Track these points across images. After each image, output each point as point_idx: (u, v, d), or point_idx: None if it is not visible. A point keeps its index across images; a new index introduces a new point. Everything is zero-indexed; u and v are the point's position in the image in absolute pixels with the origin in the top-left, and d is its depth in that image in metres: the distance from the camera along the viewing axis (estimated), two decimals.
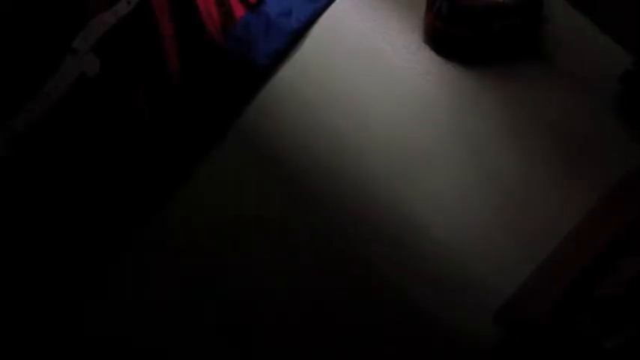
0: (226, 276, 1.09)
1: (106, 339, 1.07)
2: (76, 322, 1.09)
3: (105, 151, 1.14)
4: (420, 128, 1.14)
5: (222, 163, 1.14)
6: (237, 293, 1.08)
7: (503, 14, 1.05)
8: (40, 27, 1.11)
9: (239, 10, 1.15)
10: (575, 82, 1.11)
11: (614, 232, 0.96)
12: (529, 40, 1.13)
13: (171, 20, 1.14)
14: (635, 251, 0.92)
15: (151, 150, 1.15)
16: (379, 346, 1.06)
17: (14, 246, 1.10)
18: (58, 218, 1.12)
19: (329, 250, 1.09)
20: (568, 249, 1.01)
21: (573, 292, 0.92)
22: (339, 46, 1.17)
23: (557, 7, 1.13)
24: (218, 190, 1.14)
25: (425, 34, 1.15)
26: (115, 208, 1.13)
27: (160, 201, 1.14)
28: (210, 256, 1.10)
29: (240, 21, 1.15)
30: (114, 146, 1.14)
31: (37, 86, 1.13)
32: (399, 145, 1.13)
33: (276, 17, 1.14)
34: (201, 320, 1.07)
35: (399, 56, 1.16)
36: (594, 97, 1.10)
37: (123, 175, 1.14)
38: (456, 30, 1.09)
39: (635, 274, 0.88)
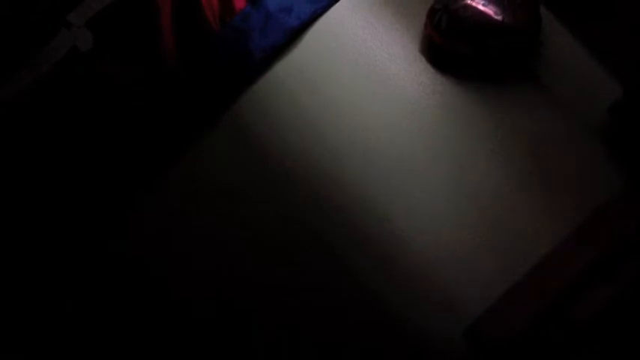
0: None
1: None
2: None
3: (94, 126, 1.14)
4: (405, 138, 1.14)
5: (207, 149, 1.14)
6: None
7: (502, 34, 1.05)
8: (35, 2, 1.10)
9: (239, 2, 1.15)
10: (565, 107, 1.12)
11: (587, 259, 0.98)
12: (524, 62, 1.13)
13: (169, 2, 1.14)
14: (606, 279, 0.93)
15: (138, 130, 1.14)
16: (339, 354, 1.06)
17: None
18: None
19: (301, 247, 1.10)
20: (541, 272, 1.02)
21: (544, 313, 0.93)
22: (336, 49, 1.17)
23: (555, 31, 1.14)
24: (201, 173, 1.14)
25: (422, 46, 1.16)
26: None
27: (142, 180, 1.13)
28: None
29: (240, 12, 1.14)
30: (103, 121, 1.14)
31: (28, 57, 1.12)
32: (382, 151, 1.13)
33: (276, 13, 1.13)
34: None
35: (394, 65, 1.16)
36: (582, 125, 1.11)
37: (106, 153, 1.13)
38: (453, 44, 1.09)
39: (604, 302, 0.89)
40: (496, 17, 1.04)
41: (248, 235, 1.12)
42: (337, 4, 1.17)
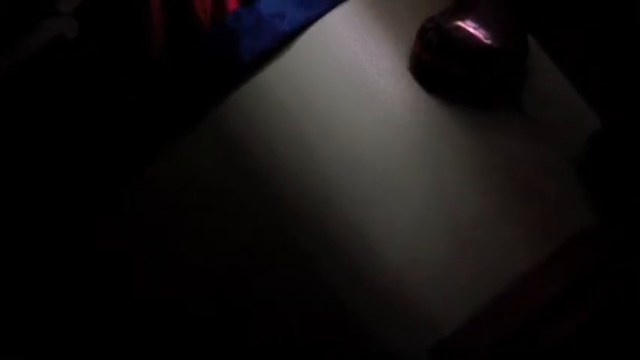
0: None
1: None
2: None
3: (78, 112, 1.12)
4: (389, 152, 1.15)
5: (187, 148, 1.13)
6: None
7: (490, 57, 1.07)
8: None
9: (232, 3, 1.14)
10: (546, 134, 1.14)
11: (558, 284, 0.99)
12: (509, 87, 1.15)
13: None
14: (577, 305, 0.95)
15: (121, 121, 1.12)
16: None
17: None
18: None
19: (275, 251, 1.10)
20: (512, 295, 1.03)
21: (512, 335, 0.94)
22: (326, 59, 1.17)
23: (542, 60, 1.16)
24: (178, 173, 1.13)
25: (411, 62, 1.16)
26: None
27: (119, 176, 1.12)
28: None
29: (232, 13, 1.13)
30: (87, 109, 1.12)
31: (11, 41, 1.09)
32: (365, 163, 1.14)
33: (268, 17, 1.13)
34: None
35: (383, 79, 1.17)
36: (562, 153, 1.13)
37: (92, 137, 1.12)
38: (442, 64, 1.10)
39: (574, 326, 0.91)
40: (486, 41, 1.05)
41: (222, 235, 1.11)
42: (329, 14, 1.17)
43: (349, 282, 1.08)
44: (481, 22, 1.06)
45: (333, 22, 1.17)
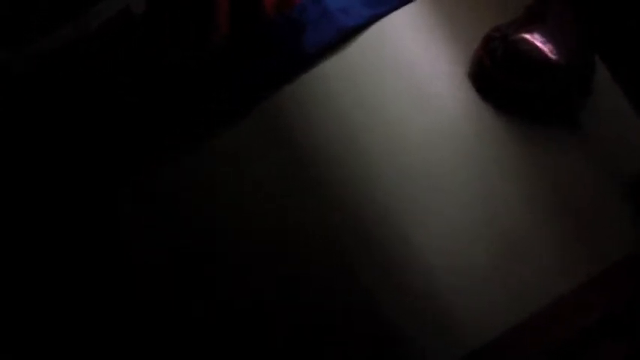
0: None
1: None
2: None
3: (131, 90, 1.13)
4: (436, 156, 1.15)
5: (240, 133, 1.13)
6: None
7: (554, 73, 1.05)
8: None
9: None
10: (603, 158, 1.12)
11: (599, 313, 0.98)
12: (570, 105, 1.13)
13: None
14: (617, 336, 0.93)
15: (174, 101, 1.13)
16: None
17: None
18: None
19: (313, 247, 1.09)
20: (551, 316, 1.02)
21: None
22: (386, 58, 1.16)
23: (606, 83, 1.14)
24: (227, 159, 1.13)
25: (471, 68, 1.15)
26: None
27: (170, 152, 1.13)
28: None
29: (298, 4, 1.14)
30: (140, 87, 1.13)
31: (78, 12, 1.11)
32: (411, 164, 1.14)
33: (333, 11, 1.13)
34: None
35: (439, 82, 1.16)
36: (617, 178, 1.11)
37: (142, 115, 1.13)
38: (504, 75, 1.09)
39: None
40: (552, 56, 1.04)
41: (263, 228, 1.12)
42: (393, 14, 1.17)
43: (383, 281, 1.08)
44: (548, 37, 1.04)
45: (397, 21, 1.17)
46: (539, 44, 1.03)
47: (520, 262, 1.09)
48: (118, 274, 1.08)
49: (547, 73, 1.05)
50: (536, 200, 1.12)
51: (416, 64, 1.17)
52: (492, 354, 1.02)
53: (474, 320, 1.06)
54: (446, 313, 1.07)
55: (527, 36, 1.04)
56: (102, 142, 1.12)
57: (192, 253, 1.09)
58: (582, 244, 1.09)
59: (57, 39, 1.11)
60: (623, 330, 0.95)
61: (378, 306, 1.07)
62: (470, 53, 1.16)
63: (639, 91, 1.15)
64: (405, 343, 1.06)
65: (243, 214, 1.12)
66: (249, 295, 1.08)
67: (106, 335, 1.05)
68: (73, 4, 1.11)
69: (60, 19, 1.11)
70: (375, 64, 1.16)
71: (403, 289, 1.08)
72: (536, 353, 0.96)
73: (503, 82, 1.10)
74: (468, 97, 1.16)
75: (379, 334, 1.07)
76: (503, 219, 1.11)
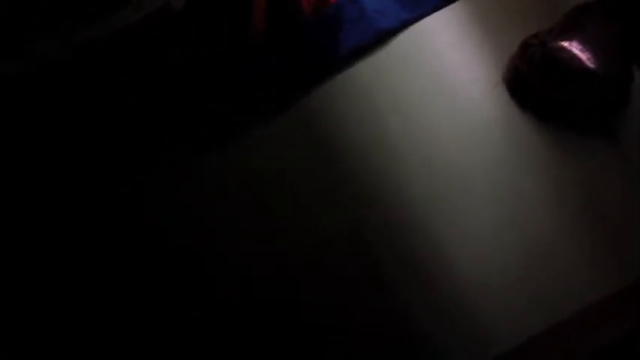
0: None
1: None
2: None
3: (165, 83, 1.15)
4: (468, 159, 1.15)
5: (273, 132, 1.14)
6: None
7: (592, 82, 1.05)
8: None
9: None
10: (636, 169, 1.11)
11: (624, 329, 0.98)
12: (605, 115, 1.13)
13: None
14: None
15: (207, 100, 1.15)
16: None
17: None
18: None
19: (341, 246, 1.10)
20: (577, 326, 1.02)
21: None
22: (420, 61, 1.17)
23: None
24: (259, 157, 1.14)
25: (506, 73, 1.15)
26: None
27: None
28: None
29: (334, 4, 1.14)
30: (175, 81, 1.15)
31: (122, 3, 1.12)
32: (443, 167, 1.14)
33: (370, 12, 1.13)
34: None
35: (474, 87, 1.16)
36: None
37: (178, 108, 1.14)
38: (540, 81, 1.09)
39: None
40: (590, 65, 1.03)
41: (291, 227, 1.13)
42: (430, 17, 1.17)
43: (412, 283, 1.09)
44: (587, 45, 1.03)
45: (434, 24, 1.17)
46: (577, 52, 1.03)
47: (548, 268, 1.09)
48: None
49: (584, 82, 1.04)
50: (567, 207, 1.11)
51: (451, 68, 1.17)
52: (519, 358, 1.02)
53: (499, 324, 1.06)
54: (471, 315, 1.07)
55: (566, 44, 1.03)
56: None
57: (212, 253, 1.11)
58: (612, 253, 1.08)
59: (98, 30, 1.13)
60: None
61: (403, 305, 1.08)
62: (505, 58, 1.15)
63: None
64: (429, 344, 1.06)
65: (274, 210, 1.14)
66: (269, 290, 1.08)
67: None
68: None
69: (102, 11, 1.13)
70: (409, 66, 1.16)
71: (428, 289, 1.08)
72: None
73: (539, 89, 1.09)
74: (502, 102, 1.15)
75: (402, 333, 1.07)
76: (533, 224, 1.11)
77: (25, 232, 1.09)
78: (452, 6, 1.17)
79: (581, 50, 1.03)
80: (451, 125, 1.16)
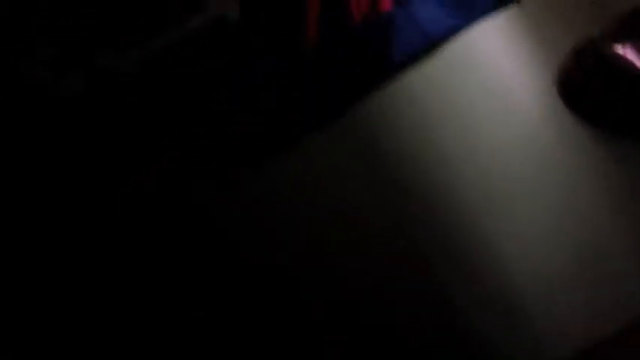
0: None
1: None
2: None
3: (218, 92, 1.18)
4: (522, 165, 1.15)
5: (325, 139, 1.16)
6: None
7: None
8: None
9: (386, 3, 1.16)
10: None
11: None
12: None
13: None
14: None
15: (260, 109, 1.18)
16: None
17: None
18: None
19: (396, 254, 1.12)
20: (629, 336, 1.01)
21: None
22: (470, 68, 1.17)
23: None
24: (306, 171, 1.16)
25: (558, 79, 1.15)
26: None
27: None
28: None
29: (385, 13, 1.16)
30: (227, 90, 1.18)
31: (180, 16, 1.17)
32: (496, 174, 1.14)
33: (421, 20, 1.15)
34: None
35: (525, 93, 1.16)
36: None
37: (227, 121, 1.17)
38: (593, 87, 1.08)
39: None
40: None
41: (345, 238, 1.14)
42: (480, 23, 1.17)
43: (468, 290, 1.10)
44: None
45: (484, 30, 1.17)
46: (633, 59, 1.02)
47: (602, 276, 1.08)
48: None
49: (639, 88, 1.03)
50: (622, 215, 1.10)
51: (502, 74, 1.17)
52: None
53: (552, 332, 1.06)
54: (523, 320, 1.07)
55: (621, 49, 1.03)
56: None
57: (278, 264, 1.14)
58: None
59: (162, 41, 1.17)
60: None
61: (463, 316, 1.08)
62: (557, 64, 1.15)
63: None
64: (479, 346, 1.07)
65: (321, 217, 1.16)
66: (326, 290, 1.11)
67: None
68: (173, 10, 1.17)
69: (161, 24, 1.17)
70: (460, 73, 1.17)
71: (488, 298, 1.08)
72: None
73: (592, 95, 1.09)
74: (554, 108, 1.15)
75: (464, 345, 1.08)
76: (587, 230, 1.10)
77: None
78: (503, 12, 1.17)
79: (635, 56, 1.02)
80: (502, 130, 1.16)
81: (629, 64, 1.02)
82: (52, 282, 1.08)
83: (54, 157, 1.13)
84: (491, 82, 1.17)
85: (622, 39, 1.05)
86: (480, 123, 1.16)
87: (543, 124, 1.16)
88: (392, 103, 1.16)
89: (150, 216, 1.10)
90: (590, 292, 1.07)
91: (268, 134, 1.16)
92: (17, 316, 1.06)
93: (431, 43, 1.16)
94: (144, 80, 1.17)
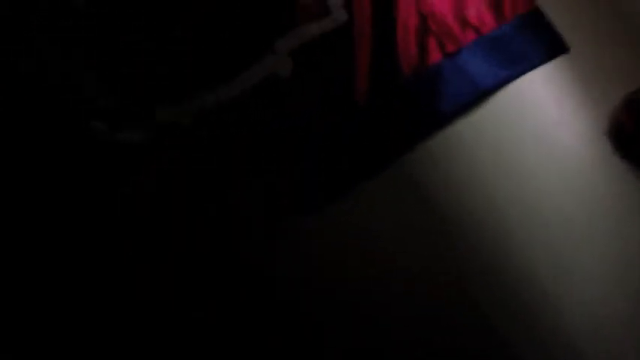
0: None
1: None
2: None
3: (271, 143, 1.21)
4: (573, 210, 1.16)
5: (377, 189, 1.18)
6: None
7: None
8: (250, 24, 1.19)
9: (435, 55, 1.18)
10: None
11: None
12: None
13: (368, 46, 1.19)
14: None
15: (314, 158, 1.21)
16: None
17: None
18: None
19: (453, 291, 1.13)
20: None
21: None
22: (520, 116, 1.19)
23: None
24: (363, 216, 1.18)
25: (610, 128, 1.15)
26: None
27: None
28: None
29: (434, 65, 1.18)
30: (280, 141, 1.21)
31: (234, 73, 1.21)
32: (549, 220, 1.15)
33: (470, 71, 1.16)
34: None
35: (575, 142, 1.17)
36: None
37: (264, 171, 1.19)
38: None
39: None
40: None
41: (397, 277, 1.16)
42: (529, 73, 1.19)
43: (525, 334, 1.10)
44: None
45: (533, 80, 1.19)
46: None
47: None
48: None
49: None
50: None
51: (552, 123, 1.18)
52: None
53: None
54: None
55: None
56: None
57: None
58: None
59: (217, 96, 1.21)
60: None
61: (511, 349, 1.09)
62: (608, 113, 1.15)
63: None
64: None
65: (381, 260, 1.17)
66: (376, 333, 1.12)
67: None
68: (230, 67, 1.21)
69: (217, 80, 1.21)
70: (510, 122, 1.18)
71: (544, 340, 1.09)
72: None
73: None
74: (605, 156, 1.16)
75: None
76: (638, 276, 1.11)
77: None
78: (551, 62, 1.18)
79: None
80: (554, 178, 1.16)
81: None
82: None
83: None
84: (540, 131, 1.18)
85: None
86: (530, 170, 1.17)
87: (594, 171, 1.16)
88: (443, 152, 1.17)
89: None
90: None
91: (323, 183, 1.19)
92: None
93: (480, 94, 1.18)
94: (199, 132, 1.20)
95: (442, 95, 1.18)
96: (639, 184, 1.14)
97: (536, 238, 1.14)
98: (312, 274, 1.15)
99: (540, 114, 1.18)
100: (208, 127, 1.20)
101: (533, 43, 1.18)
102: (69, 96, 1.14)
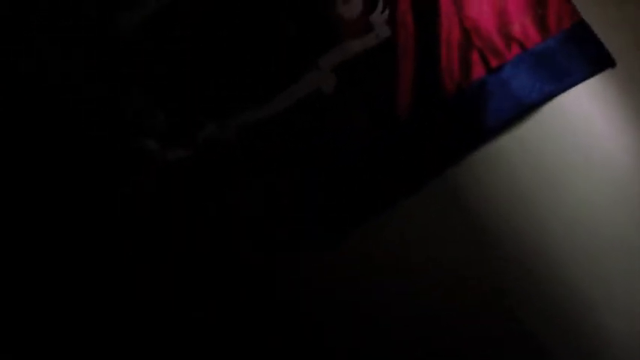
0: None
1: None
2: None
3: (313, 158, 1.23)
4: (618, 226, 1.16)
5: (420, 205, 1.19)
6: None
7: None
8: (295, 41, 1.21)
9: (478, 70, 1.18)
10: None
11: None
12: None
13: (412, 61, 1.20)
14: None
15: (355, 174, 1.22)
16: None
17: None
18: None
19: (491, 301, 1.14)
20: None
21: None
22: (565, 130, 1.18)
23: None
24: (406, 231, 1.19)
25: None
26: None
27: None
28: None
29: (477, 80, 1.18)
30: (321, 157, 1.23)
31: (279, 89, 1.22)
32: (593, 232, 1.15)
33: (514, 86, 1.16)
34: None
35: (623, 156, 1.16)
36: None
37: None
38: None
39: None
40: None
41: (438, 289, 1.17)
42: (573, 88, 1.18)
43: (564, 342, 1.11)
44: None
45: (579, 95, 1.18)
46: None
47: None
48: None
49: None
50: None
51: (598, 138, 1.17)
52: None
53: None
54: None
55: None
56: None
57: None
58: None
59: (257, 114, 1.23)
60: None
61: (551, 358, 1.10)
62: None
63: None
64: None
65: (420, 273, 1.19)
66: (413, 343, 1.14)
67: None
68: (274, 82, 1.23)
69: (261, 96, 1.23)
70: (554, 137, 1.18)
71: (577, 341, 1.10)
72: None
73: None
74: None
75: None
76: None
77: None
78: (596, 76, 1.17)
79: None
80: (599, 191, 1.16)
81: None
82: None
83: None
84: (587, 146, 1.17)
85: None
86: (575, 184, 1.16)
87: (639, 184, 1.15)
88: (486, 167, 1.18)
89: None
90: None
91: (366, 198, 1.20)
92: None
93: (524, 108, 1.17)
94: (242, 148, 1.22)
95: (485, 110, 1.17)
96: None
97: (579, 250, 1.14)
98: (357, 286, 1.16)
99: (585, 127, 1.18)
100: (252, 141, 1.23)
101: (578, 57, 1.17)
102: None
